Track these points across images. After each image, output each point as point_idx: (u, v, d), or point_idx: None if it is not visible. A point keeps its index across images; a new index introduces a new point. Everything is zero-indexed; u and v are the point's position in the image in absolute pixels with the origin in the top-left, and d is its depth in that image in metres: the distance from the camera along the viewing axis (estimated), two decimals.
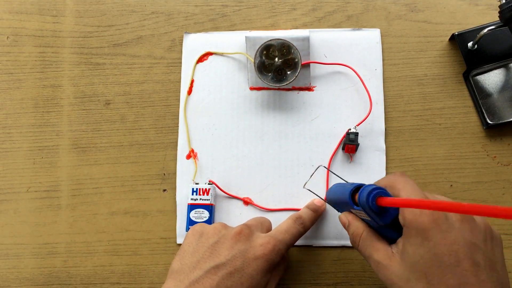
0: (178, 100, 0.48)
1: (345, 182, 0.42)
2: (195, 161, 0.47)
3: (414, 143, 0.46)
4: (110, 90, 0.49)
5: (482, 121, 0.46)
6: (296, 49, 0.45)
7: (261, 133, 0.47)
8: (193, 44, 0.49)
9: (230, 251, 0.36)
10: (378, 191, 0.31)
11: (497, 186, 0.45)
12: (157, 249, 0.46)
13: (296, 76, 0.45)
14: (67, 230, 0.47)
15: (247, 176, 0.47)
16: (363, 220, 0.35)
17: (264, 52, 0.46)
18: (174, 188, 0.47)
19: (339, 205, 0.38)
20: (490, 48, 0.46)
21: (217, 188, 0.46)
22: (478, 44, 0.46)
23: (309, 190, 0.44)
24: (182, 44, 0.49)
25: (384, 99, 0.47)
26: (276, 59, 0.46)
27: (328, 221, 0.45)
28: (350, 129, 0.45)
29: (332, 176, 0.45)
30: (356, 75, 0.47)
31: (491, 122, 0.45)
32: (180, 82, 0.49)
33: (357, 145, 0.45)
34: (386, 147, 0.46)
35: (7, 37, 0.51)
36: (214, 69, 0.48)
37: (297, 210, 0.45)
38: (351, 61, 0.47)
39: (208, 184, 0.46)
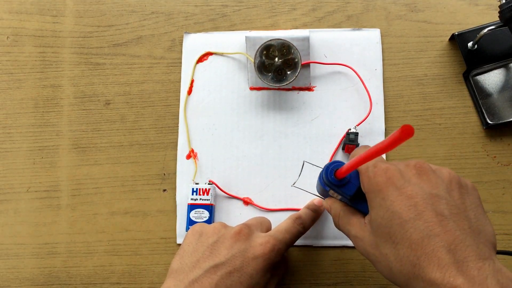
0: (178, 100, 0.48)
1: None
2: (195, 161, 0.47)
3: (414, 143, 0.46)
4: (110, 90, 0.49)
5: (482, 121, 0.46)
6: (296, 49, 0.45)
7: (261, 133, 0.47)
8: (193, 44, 0.49)
9: (230, 251, 0.36)
10: (334, 165, 0.34)
11: (497, 186, 0.45)
12: (157, 249, 0.46)
13: (296, 76, 0.45)
14: (67, 230, 0.47)
15: (247, 176, 0.47)
16: (341, 201, 0.36)
17: (264, 52, 0.46)
18: (174, 188, 0.47)
19: (323, 194, 0.39)
20: (490, 48, 0.46)
21: (217, 188, 0.46)
22: (478, 44, 0.46)
23: (297, 187, 0.44)
24: (182, 44, 0.49)
25: (384, 99, 0.47)
26: (276, 59, 0.46)
27: (328, 221, 0.45)
28: (350, 129, 0.45)
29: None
30: (356, 75, 0.47)
31: (491, 122, 0.45)
32: (180, 82, 0.49)
33: (357, 145, 0.45)
34: None
35: (7, 37, 0.51)
36: (214, 69, 0.48)
37: (297, 210, 0.45)
38: (351, 61, 0.47)
39: (208, 184, 0.46)
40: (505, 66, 0.46)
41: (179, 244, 0.46)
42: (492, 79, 0.46)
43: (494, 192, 0.45)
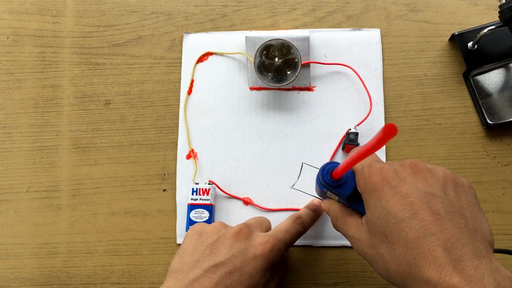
0: (178, 100, 0.48)
1: None
2: (195, 161, 0.47)
3: (414, 143, 0.46)
4: (110, 90, 0.49)
5: (482, 121, 0.46)
6: (296, 49, 0.45)
7: (261, 133, 0.47)
8: (193, 44, 0.49)
9: (230, 250, 0.36)
10: (330, 166, 0.34)
11: (497, 186, 0.45)
12: (157, 249, 0.46)
13: (296, 76, 0.45)
14: (67, 230, 0.47)
15: (247, 176, 0.47)
16: (339, 202, 0.36)
17: (264, 52, 0.46)
18: (174, 188, 0.47)
19: (321, 195, 0.39)
20: (490, 48, 0.46)
21: (217, 188, 0.46)
22: (478, 44, 0.46)
23: (296, 189, 0.43)
24: (182, 44, 0.49)
25: (384, 99, 0.47)
26: (276, 59, 0.46)
27: (328, 221, 0.45)
28: (350, 129, 0.45)
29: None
30: (356, 75, 0.47)
31: (491, 122, 0.45)
32: (180, 82, 0.49)
33: (357, 145, 0.45)
34: (386, 147, 0.46)
35: (7, 37, 0.51)
36: (214, 69, 0.49)
37: (297, 210, 0.45)
38: (351, 61, 0.47)
39: (208, 184, 0.46)
40: (505, 66, 0.46)
41: (179, 244, 0.46)
42: (492, 79, 0.46)
43: (494, 192, 0.45)
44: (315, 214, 0.42)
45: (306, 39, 0.46)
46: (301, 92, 0.48)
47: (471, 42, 0.46)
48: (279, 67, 0.46)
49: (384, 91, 0.47)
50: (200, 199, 0.45)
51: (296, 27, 0.49)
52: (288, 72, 0.46)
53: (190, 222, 0.45)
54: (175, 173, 0.47)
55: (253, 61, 0.46)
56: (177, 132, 0.48)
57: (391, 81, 0.47)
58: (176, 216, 0.46)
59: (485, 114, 0.46)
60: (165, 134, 0.48)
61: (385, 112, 0.47)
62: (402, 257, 0.27)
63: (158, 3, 0.50)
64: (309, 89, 0.48)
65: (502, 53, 0.46)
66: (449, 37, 0.48)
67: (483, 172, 0.45)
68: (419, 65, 0.48)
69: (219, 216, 0.46)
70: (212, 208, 0.45)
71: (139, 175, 0.47)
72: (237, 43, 0.48)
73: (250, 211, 0.46)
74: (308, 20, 0.49)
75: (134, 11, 0.50)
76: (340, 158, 0.46)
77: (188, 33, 0.49)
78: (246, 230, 0.38)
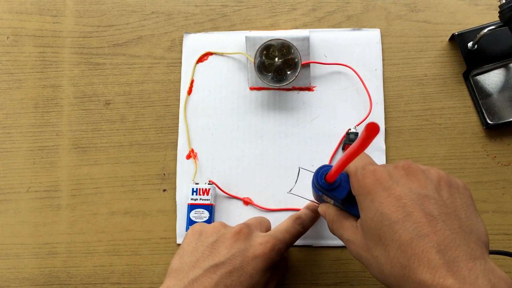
0: (178, 100, 0.48)
1: None
2: (195, 161, 0.47)
3: (414, 143, 0.46)
4: (110, 90, 0.49)
5: (482, 121, 0.46)
6: (296, 49, 0.45)
7: (261, 133, 0.47)
8: (193, 44, 0.49)
9: (230, 250, 0.36)
10: (324, 169, 0.34)
11: (497, 186, 0.45)
12: (157, 249, 0.46)
13: (296, 76, 0.45)
14: (67, 230, 0.47)
15: (247, 176, 0.47)
16: (334, 205, 0.36)
17: (264, 52, 0.46)
18: (174, 188, 0.47)
19: (318, 199, 0.39)
20: (490, 48, 0.46)
21: (217, 188, 0.46)
22: (478, 44, 0.46)
23: (294, 194, 0.43)
24: (182, 44, 0.49)
25: (384, 99, 0.47)
26: (276, 59, 0.46)
27: None
28: (350, 129, 0.45)
29: None
30: (356, 75, 0.47)
31: (491, 122, 0.45)
32: (180, 82, 0.49)
33: None
34: (386, 147, 0.46)
35: (7, 37, 0.51)
36: (214, 69, 0.49)
37: (297, 210, 0.45)
38: (351, 61, 0.47)
39: (208, 184, 0.46)
40: (505, 66, 0.46)
41: (179, 244, 0.46)
42: (492, 79, 0.46)
43: (494, 192, 0.45)
44: (315, 214, 0.42)
45: (306, 39, 0.46)
46: (301, 92, 0.48)
47: (471, 42, 0.46)
48: (279, 67, 0.46)
49: (384, 91, 0.47)
50: (200, 199, 0.45)
51: (296, 27, 0.49)
52: (288, 72, 0.46)
53: (190, 222, 0.45)
54: (175, 173, 0.47)
55: (253, 61, 0.46)
56: (177, 132, 0.48)
57: (391, 81, 0.47)
58: (176, 216, 0.46)
59: (485, 114, 0.46)
60: (165, 134, 0.48)
61: (385, 112, 0.47)
62: (396, 259, 0.27)
63: (158, 3, 0.50)
64: (309, 89, 0.48)
65: (502, 53, 0.46)
66: (449, 37, 0.48)
67: (483, 172, 0.45)
68: (419, 65, 0.48)
69: (219, 216, 0.46)
70: (212, 208, 0.45)
71: (139, 175, 0.47)
72: (237, 43, 0.48)
73: (250, 211, 0.46)
74: (308, 20, 0.49)
75: (134, 11, 0.50)
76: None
77: (188, 33, 0.49)
78: (246, 230, 0.38)
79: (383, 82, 0.47)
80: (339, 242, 0.45)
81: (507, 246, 0.44)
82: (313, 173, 0.36)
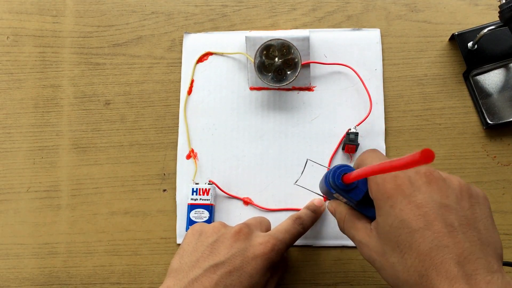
0: (178, 100, 0.48)
1: None
2: (195, 161, 0.47)
3: (414, 143, 0.46)
4: (110, 90, 0.49)
5: (482, 121, 0.46)
6: (296, 49, 0.45)
7: (261, 133, 0.47)
8: (193, 44, 0.49)
9: (230, 250, 0.36)
10: (342, 169, 0.33)
11: (497, 186, 0.45)
12: (157, 249, 0.46)
13: (296, 76, 0.45)
14: (67, 230, 0.47)
15: (247, 176, 0.47)
16: (346, 204, 0.35)
17: (264, 52, 0.46)
18: (174, 188, 0.47)
19: (326, 194, 0.38)
20: (490, 48, 0.46)
21: (217, 188, 0.46)
22: (478, 44, 0.46)
23: (299, 186, 0.44)
24: (182, 44, 0.49)
25: (384, 99, 0.47)
26: (276, 59, 0.46)
27: (328, 221, 0.45)
28: (350, 129, 0.45)
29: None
30: (356, 75, 0.47)
31: (491, 122, 0.45)
32: (180, 82, 0.49)
33: (357, 145, 0.45)
34: (386, 147, 0.46)
35: (7, 37, 0.51)
36: (214, 69, 0.49)
37: (297, 210, 0.45)
38: (351, 61, 0.47)
39: (208, 184, 0.46)
40: (505, 66, 0.46)
41: (179, 244, 0.46)
42: (492, 79, 0.46)
43: (494, 192, 0.45)
44: (315, 214, 0.42)
45: (306, 39, 0.46)
46: (301, 92, 0.48)
47: (471, 42, 0.46)
48: (279, 67, 0.46)
49: (384, 91, 0.47)
50: (200, 199, 0.45)
51: (296, 27, 0.49)
52: (288, 72, 0.46)
53: (190, 222, 0.45)
54: (175, 173, 0.47)
55: (253, 61, 0.46)
56: (177, 132, 0.48)
57: (391, 81, 0.47)
58: (176, 216, 0.46)
59: (485, 114, 0.46)
60: (165, 134, 0.48)
61: (385, 112, 0.47)
62: (413, 268, 0.27)
63: (158, 3, 0.50)
64: (309, 89, 0.48)
65: (502, 53, 0.46)
66: (449, 37, 0.48)
67: (483, 172, 0.45)
68: (419, 65, 0.48)
69: (219, 216, 0.46)
70: (212, 208, 0.45)
71: (139, 175, 0.47)
72: (237, 43, 0.48)
73: (250, 211, 0.46)
74: (308, 20, 0.49)
75: (134, 11, 0.50)
76: (340, 158, 0.46)
77: (188, 33, 0.49)
78: (246, 230, 0.38)
79: (383, 82, 0.47)
80: (339, 242, 0.45)
81: (507, 246, 0.44)
82: (321, 166, 0.35)
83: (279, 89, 0.48)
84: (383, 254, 0.30)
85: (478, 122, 0.46)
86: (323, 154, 0.46)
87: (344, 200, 0.35)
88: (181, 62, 0.49)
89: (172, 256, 0.44)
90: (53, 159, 0.48)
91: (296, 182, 0.44)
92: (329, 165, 0.46)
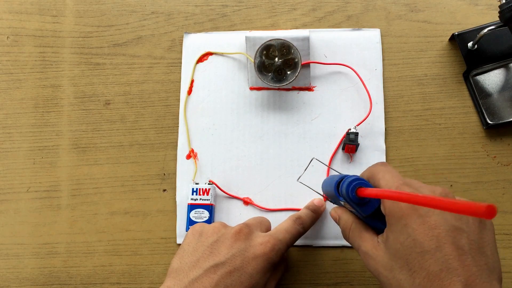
0: (178, 100, 0.48)
1: (338, 173, 0.42)
2: (195, 161, 0.47)
3: (414, 143, 0.46)
4: (110, 90, 0.49)
5: (482, 121, 0.46)
6: (296, 49, 0.45)
7: (261, 133, 0.47)
8: (193, 44, 0.49)
9: (230, 250, 0.36)
10: (357, 182, 0.32)
11: (497, 186, 0.45)
12: (157, 249, 0.46)
13: (296, 76, 0.45)
14: (67, 230, 0.47)
15: (247, 176, 0.47)
16: (352, 212, 0.35)
17: (264, 52, 0.46)
18: (174, 188, 0.47)
19: (331, 197, 0.38)
20: (490, 48, 0.46)
21: (217, 188, 0.46)
22: (478, 44, 0.46)
23: (302, 183, 0.44)
24: (182, 44, 0.49)
25: (384, 99, 0.47)
26: (276, 59, 0.46)
27: (328, 221, 0.45)
28: (350, 129, 0.45)
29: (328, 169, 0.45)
30: (356, 75, 0.47)
31: (491, 122, 0.45)
32: (180, 82, 0.49)
33: (357, 145, 0.45)
34: (386, 147, 0.46)
35: (7, 37, 0.51)
36: (214, 69, 0.48)
37: (297, 210, 0.45)
38: (351, 61, 0.47)
39: (208, 184, 0.46)
40: (505, 66, 0.46)
41: (179, 244, 0.46)
42: (492, 79, 0.46)
43: (494, 192, 0.45)
44: (315, 214, 0.42)
45: (306, 39, 0.46)
46: (301, 92, 0.48)
47: (471, 42, 0.46)
48: (279, 67, 0.46)
49: (384, 91, 0.47)
50: (200, 199, 0.45)
51: (296, 27, 0.49)
52: (288, 72, 0.46)
53: (190, 222, 0.45)
54: (175, 173, 0.47)
55: (253, 61, 0.46)
56: (177, 132, 0.48)
57: (391, 81, 0.47)
58: (176, 216, 0.46)
59: (485, 114, 0.46)
60: (165, 134, 0.48)
61: (385, 112, 0.47)
62: (421, 287, 0.27)
63: (158, 3, 0.50)
64: (309, 89, 0.48)
65: (502, 53, 0.46)
66: (449, 37, 0.48)
67: (483, 172, 0.45)
68: (419, 65, 0.48)
69: (219, 216, 0.46)
70: (212, 208, 0.45)
71: (139, 175, 0.47)
72: (237, 43, 0.48)
73: (250, 211, 0.46)
74: (308, 20, 0.49)
75: (134, 11, 0.50)
76: (340, 158, 0.46)
77: (188, 33, 0.49)
78: (246, 230, 0.38)
79: (383, 82, 0.47)
80: (339, 242, 0.45)
81: (507, 246, 0.44)
82: (325, 165, 0.35)
83: (279, 89, 0.48)
84: (390, 270, 0.30)
85: (478, 122, 0.46)
86: (323, 154, 0.46)
87: (352, 210, 0.34)
88: (181, 62, 0.49)
89: (172, 256, 0.45)
90: (53, 159, 0.48)
91: (298, 179, 0.44)
92: (329, 165, 0.46)
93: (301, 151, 0.47)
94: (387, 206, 0.31)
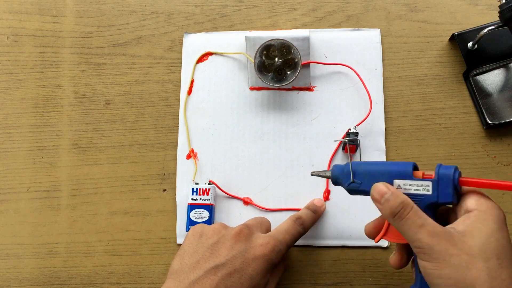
0: (178, 100, 0.48)
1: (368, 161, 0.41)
2: (195, 161, 0.47)
3: (414, 143, 0.46)
4: (110, 90, 0.49)
5: (482, 121, 0.46)
6: (296, 49, 0.45)
7: (261, 133, 0.47)
8: (193, 44, 0.49)
9: (230, 251, 0.36)
10: (458, 172, 0.33)
11: None
12: (157, 249, 0.46)
13: (296, 76, 0.45)
14: (67, 230, 0.47)
15: (247, 176, 0.47)
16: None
17: (264, 52, 0.46)
18: (174, 188, 0.47)
19: (366, 177, 0.35)
20: (490, 48, 0.46)
21: (217, 188, 0.46)
22: (478, 44, 0.46)
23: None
24: (182, 44, 0.49)
25: (384, 99, 0.47)
26: (276, 59, 0.46)
27: (328, 221, 0.45)
28: (350, 129, 0.45)
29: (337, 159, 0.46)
30: (356, 75, 0.47)
31: (491, 122, 0.45)
32: (180, 82, 0.49)
33: (357, 145, 0.45)
34: (386, 147, 0.46)
35: (7, 37, 0.51)
36: (214, 69, 0.48)
37: (297, 210, 0.45)
38: (351, 61, 0.47)
39: (208, 184, 0.46)
40: (505, 66, 0.46)
41: (179, 244, 0.46)
42: (492, 79, 0.46)
43: (494, 192, 0.45)
44: (315, 214, 0.43)
45: (306, 39, 0.46)
46: (301, 92, 0.48)
47: (471, 42, 0.46)
48: (279, 67, 0.46)
49: (384, 91, 0.47)
50: (200, 199, 0.45)
51: (296, 27, 0.49)
52: (288, 72, 0.46)
53: (190, 222, 0.45)
54: (175, 173, 0.47)
55: (253, 61, 0.46)
56: (177, 132, 0.48)
57: (391, 81, 0.47)
58: (176, 216, 0.46)
59: (485, 114, 0.46)
60: (165, 134, 0.48)
61: (385, 112, 0.47)
62: (506, 282, 0.29)
63: (158, 3, 0.50)
64: (309, 89, 0.48)
65: (502, 53, 0.46)
66: (449, 37, 0.48)
67: (483, 172, 0.45)
68: (419, 65, 0.48)
69: (219, 216, 0.46)
70: (212, 208, 0.45)
71: (139, 175, 0.47)
72: (237, 43, 0.48)
73: (250, 211, 0.46)
74: (308, 20, 0.49)
75: (134, 11, 0.50)
76: (340, 158, 0.46)
77: (188, 33, 0.49)
78: (246, 231, 0.38)
79: (383, 82, 0.47)
80: (339, 242, 0.45)
81: None
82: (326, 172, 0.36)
83: (279, 89, 0.48)
84: (486, 260, 0.30)
85: (478, 122, 0.46)
86: (323, 154, 0.46)
87: (416, 192, 0.33)
88: (181, 62, 0.49)
89: (172, 256, 0.45)
90: (53, 159, 0.48)
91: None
92: (329, 165, 0.46)
93: (301, 151, 0.47)
94: (483, 204, 0.32)
